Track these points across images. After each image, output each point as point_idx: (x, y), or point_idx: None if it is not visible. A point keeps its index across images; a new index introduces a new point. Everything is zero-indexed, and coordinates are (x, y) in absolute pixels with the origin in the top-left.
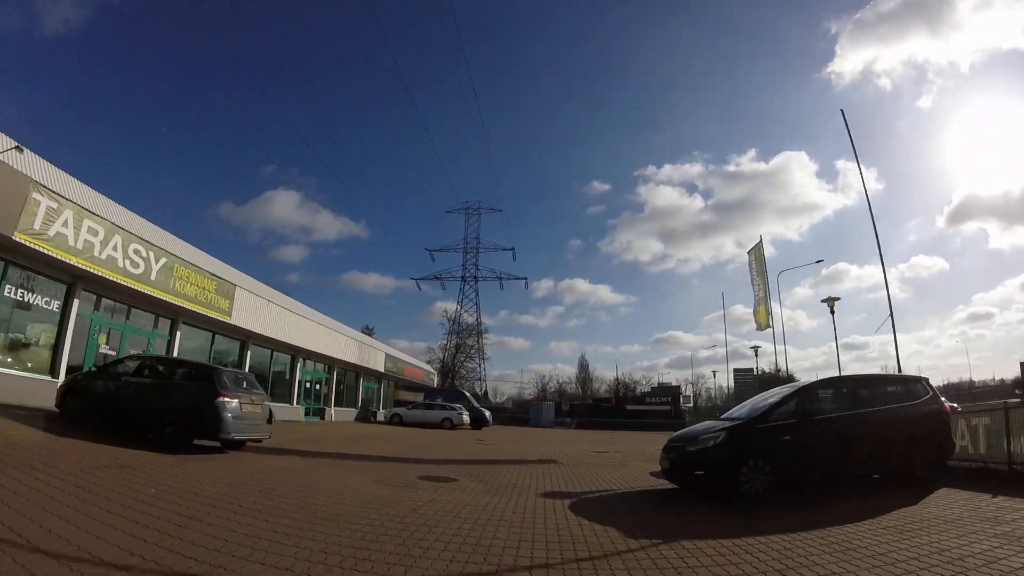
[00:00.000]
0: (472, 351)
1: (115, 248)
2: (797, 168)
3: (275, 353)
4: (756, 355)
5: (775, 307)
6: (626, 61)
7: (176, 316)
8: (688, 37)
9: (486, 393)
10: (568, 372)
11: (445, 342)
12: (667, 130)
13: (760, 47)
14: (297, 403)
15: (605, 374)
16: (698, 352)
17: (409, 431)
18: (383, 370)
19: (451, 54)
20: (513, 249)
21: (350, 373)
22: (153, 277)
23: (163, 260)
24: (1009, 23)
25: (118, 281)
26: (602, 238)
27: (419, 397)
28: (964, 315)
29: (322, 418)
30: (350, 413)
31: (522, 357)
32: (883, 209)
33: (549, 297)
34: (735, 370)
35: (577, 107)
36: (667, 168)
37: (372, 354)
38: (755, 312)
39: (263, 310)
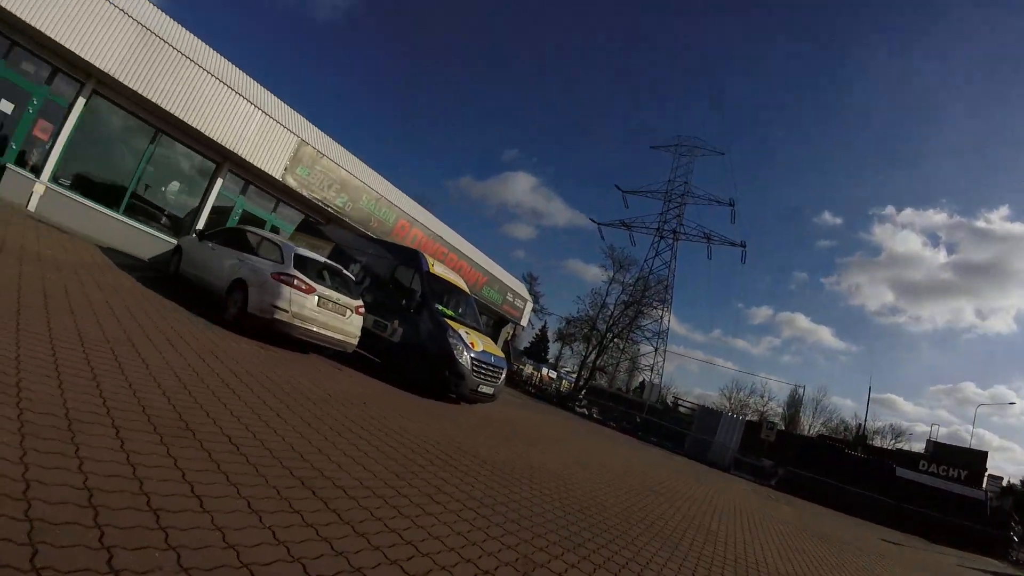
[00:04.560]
0: (641, 315)
1: None
2: None
3: None
4: None
5: None
6: (870, 85)
7: None
8: (940, 71)
9: (674, 404)
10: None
11: (605, 288)
12: (911, 169)
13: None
14: None
15: (815, 419)
16: (915, 425)
17: None
18: (280, 175)
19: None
20: (733, 205)
21: (168, 141)
22: None
23: None
24: None
25: None
26: (829, 275)
27: (321, 249)
28: None
29: None
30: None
31: (725, 380)
32: None
33: (766, 326)
34: None
35: (814, 126)
36: (908, 212)
37: (222, 103)
38: None
39: None
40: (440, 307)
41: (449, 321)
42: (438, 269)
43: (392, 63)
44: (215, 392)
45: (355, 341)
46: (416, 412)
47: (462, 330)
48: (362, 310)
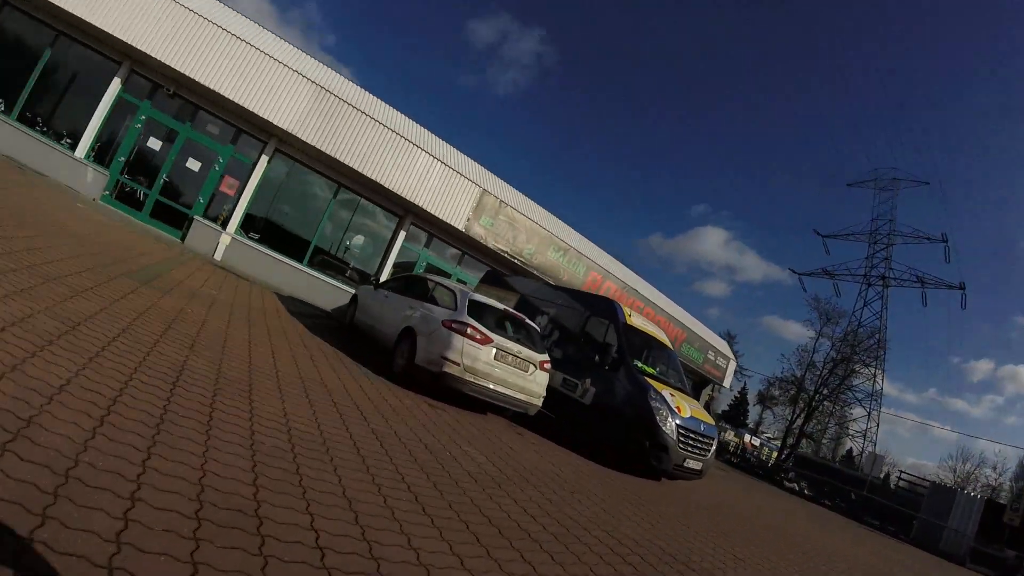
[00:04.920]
0: (852, 373)
1: None
2: None
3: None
4: None
5: None
6: None
7: None
8: None
9: (889, 477)
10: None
11: (811, 344)
12: None
13: None
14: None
15: None
16: None
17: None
18: (463, 226)
19: None
20: (946, 241)
21: (350, 196)
22: None
23: None
24: None
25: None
26: None
27: (506, 300)
28: None
29: (181, 236)
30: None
31: (944, 448)
32: None
33: (987, 382)
34: None
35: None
36: None
37: (395, 152)
38: None
39: None
40: (639, 364)
41: (650, 380)
42: (636, 321)
43: (573, 126)
44: (336, 458)
45: (539, 401)
46: (607, 493)
47: (666, 391)
48: (548, 365)
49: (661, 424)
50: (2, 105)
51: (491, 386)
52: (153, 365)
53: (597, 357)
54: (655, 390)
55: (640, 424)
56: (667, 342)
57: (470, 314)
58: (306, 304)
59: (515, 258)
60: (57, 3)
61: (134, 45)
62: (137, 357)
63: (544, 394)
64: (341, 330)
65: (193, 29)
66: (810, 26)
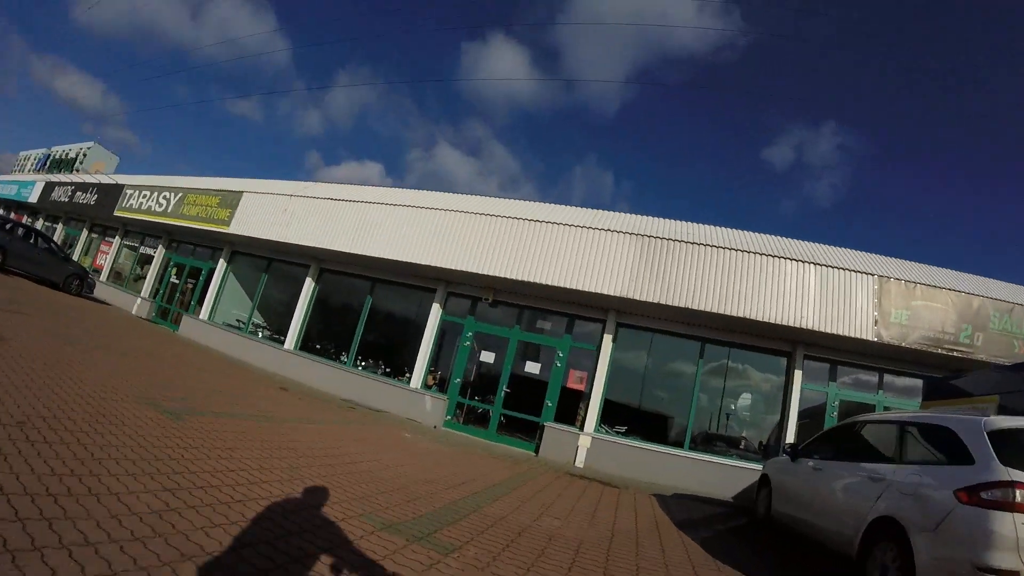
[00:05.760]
0: None
1: None
2: None
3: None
4: None
5: None
6: None
7: None
8: None
9: None
10: None
11: None
12: None
13: None
14: (424, 385)
15: None
16: None
17: None
18: (872, 333)
19: None
20: None
21: (719, 349)
22: None
23: None
24: None
25: None
26: None
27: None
28: None
29: (535, 448)
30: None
31: None
32: None
33: None
34: None
35: None
36: None
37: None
38: None
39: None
40: None
41: None
42: None
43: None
44: None
45: None
46: None
47: None
48: None
49: None
50: (345, 357)
51: None
52: None
53: None
54: None
55: None
56: None
57: (1005, 459)
58: (697, 500)
59: (953, 349)
60: (368, 253)
61: (444, 267)
62: None
63: None
64: (754, 529)
65: (493, 231)
66: None
